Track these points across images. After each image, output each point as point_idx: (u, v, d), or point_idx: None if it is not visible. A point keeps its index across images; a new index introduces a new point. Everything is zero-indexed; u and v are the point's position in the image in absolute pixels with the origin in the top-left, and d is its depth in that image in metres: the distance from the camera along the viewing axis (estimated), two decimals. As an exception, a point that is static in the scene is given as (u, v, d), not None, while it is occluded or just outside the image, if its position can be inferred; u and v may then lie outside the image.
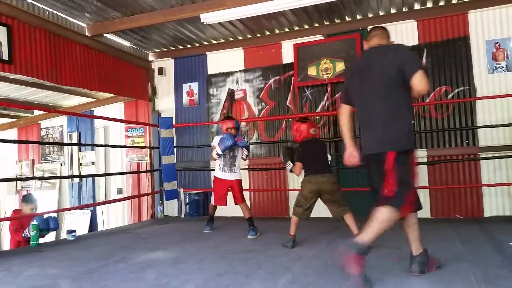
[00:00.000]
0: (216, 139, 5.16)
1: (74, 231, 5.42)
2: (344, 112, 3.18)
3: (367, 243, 2.68)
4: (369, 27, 6.42)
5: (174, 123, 7.43)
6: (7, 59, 5.00)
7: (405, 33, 6.29)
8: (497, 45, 5.82)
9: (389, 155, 2.78)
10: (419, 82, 2.72)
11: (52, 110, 8.19)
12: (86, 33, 6.33)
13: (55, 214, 6.34)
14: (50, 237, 6.89)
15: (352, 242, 2.68)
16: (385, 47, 3.14)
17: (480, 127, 5.80)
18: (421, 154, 6.04)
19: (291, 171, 4.43)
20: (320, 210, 6.10)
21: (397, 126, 2.83)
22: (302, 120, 4.59)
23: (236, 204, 5.20)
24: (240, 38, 7.28)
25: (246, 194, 7.03)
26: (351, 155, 3.08)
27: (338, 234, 4.72)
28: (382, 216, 2.80)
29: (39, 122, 9.15)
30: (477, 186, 5.78)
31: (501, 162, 5.69)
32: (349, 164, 3.11)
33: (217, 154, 5.04)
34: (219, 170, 5.19)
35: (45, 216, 5.15)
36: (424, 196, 6.02)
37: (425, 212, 5.97)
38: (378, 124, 2.88)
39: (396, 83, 2.81)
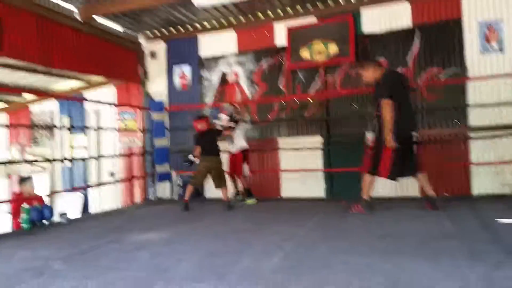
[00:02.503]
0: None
1: (66, 213, 5.43)
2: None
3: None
4: (362, 9, 6.41)
5: (166, 106, 7.39)
6: (-4, 42, 4.93)
7: (398, 14, 6.26)
8: (489, 26, 5.82)
9: None
10: None
11: (43, 94, 8.14)
12: (77, 17, 6.24)
13: (48, 202, 6.35)
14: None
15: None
16: None
17: (471, 106, 5.84)
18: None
19: (193, 156, 5.72)
20: (309, 190, 6.19)
21: None
22: (199, 117, 5.97)
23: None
24: (232, 20, 7.21)
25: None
26: None
27: (326, 214, 4.78)
28: None
29: (29, 106, 9.06)
30: (466, 165, 5.84)
31: (490, 141, 5.75)
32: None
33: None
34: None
35: (39, 205, 5.14)
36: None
37: (413, 191, 6.04)
38: None
39: None
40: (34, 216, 4.86)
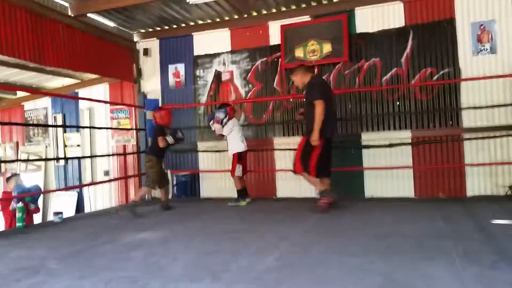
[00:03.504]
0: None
1: (61, 213, 5.41)
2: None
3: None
4: (356, 9, 6.44)
5: (160, 104, 7.37)
6: (-13, 39, 4.88)
7: (391, 14, 6.28)
8: (482, 27, 5.86)
9: None
10: None
11: (36, 91, 8.08)
12: (69, 13, 6.19)
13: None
14: (37, 219, 6.89)
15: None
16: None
17: (464, 108, 5.89)
18: (406, 135, 6.13)
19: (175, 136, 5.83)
20: (306, 190, 6.21)
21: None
22: (159, 108, 6.15)
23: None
24: (226, 18, 7.19)
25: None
26: None
27: (322, 214, 4.79)
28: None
29: (22, 104, 9.00)
30: (460, 166, 5.90)
31: (483, 142, 5.81)
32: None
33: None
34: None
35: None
36: (408, 176, 6.14)
37: (409, 192, 6.10)
38: None
39: None
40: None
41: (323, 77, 6.50)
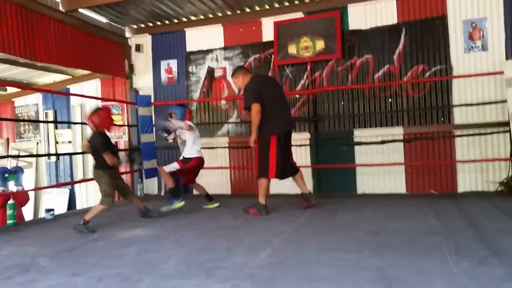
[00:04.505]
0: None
1: (52, 209, 5.37)
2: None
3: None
4: (349, 6, 6.44)
5: (152, 101, 7.33)
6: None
7: (384, 11, 6.30)
8: (473, 24, 5.90)
9: None
10: None
11: (26, 87, 8.00)
12: (60, 8, 6.13)
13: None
14: (28, 216, 6.84)
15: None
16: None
17: (456, 105, 5.93)
18: (398, 132, 6.16)
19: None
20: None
21: None
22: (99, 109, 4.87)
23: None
24: (219, 14, 7.16)
25: (226, 172, 7.12)
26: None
27: (316, 210, 4.81)
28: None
29: (13, 99, 8.91)
30: (451, 163, 5.95)
31: (474, 139, 5.86)
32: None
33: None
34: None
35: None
36: (399, 172, 6.18)
37: (400, 188, 6.14)
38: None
39: None
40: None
41: (316, 74, 6.53)
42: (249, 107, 4.66)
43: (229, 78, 7.16)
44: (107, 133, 4.59)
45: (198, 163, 5.23)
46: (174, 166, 5.10)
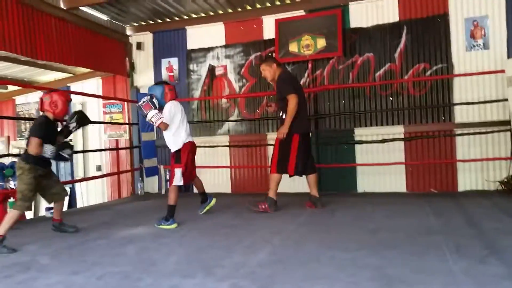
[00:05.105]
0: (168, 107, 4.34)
1: (53, 208, 5.36)
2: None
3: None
4: (351, 3, 6.43)
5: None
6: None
7: (386, 9, 6.28)
8: (475, 23, 5.88)
9: None
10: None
11: (27, 85, 8.00)
12: (62, 6, 6.13)
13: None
14: (28, 214, 6.85)
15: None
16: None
17: (457, 104, 5.92)
18: (398, 130, 6.15)
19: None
20: (298, 185, 6.21)
21: None
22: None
23: None
24: (220, 12, 7.15)
25: (227, 171, 7.11)
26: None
27: (316, 209, 4.81)
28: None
29: (14, 98, 8.91)
30: (452, 162, 5.94)
31: (475, 138, 5.84)
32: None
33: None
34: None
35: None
36: (400, 171, 6.17)
37: (400, 187, 6.14)
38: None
39: None
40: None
41: (317, 72, 6.54)
42: (285, 98, 4.58)
43: (229, 76, 7.16)
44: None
45: (189, 151, 4.34)
46: (177, 174, 4.28)
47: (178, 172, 4.28)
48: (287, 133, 4.57)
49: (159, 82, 4.77)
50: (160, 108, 4.29)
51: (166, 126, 4.26)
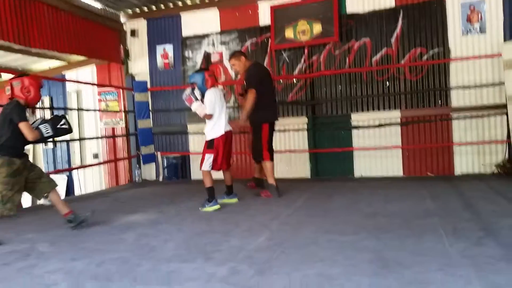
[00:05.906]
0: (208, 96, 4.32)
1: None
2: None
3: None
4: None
5: (148, 86, 7.29)
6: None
7: (382, -6, 6.24)
8: (471, 7, 5.85)
9: None
10: None
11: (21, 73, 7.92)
12: (55, -7, 6.05)
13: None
14: (26, 202, 6.85)
15: None
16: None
17: (453, 88, 5.92)
18: (395, 115, 6.16)
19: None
20: (297, 171, 6.25)
21: None
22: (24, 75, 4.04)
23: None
24: (215, -2, 7.08)
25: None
26: None
27: (312, 193, 4.84)
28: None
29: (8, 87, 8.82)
30: (448, 145, 5.96)
31: (471, 122, 5.86)
32: None
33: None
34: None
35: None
36: (396, 156, 6.20)
37: (397, 171, 6.17)
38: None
39: None
40: None
41: (313, 58, 6.51)
42: (248, 90, 4.79)
43: (226, 63, 7.12)
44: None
45: (223, 143, 4.35)
46: (208, 159, 4.30)
47: (209, 158, 4.31)
48: (258, 123, 4.84)
49: (199, 69, 4.99)
50: (203, 95, 4.35)
51: (210, 116, 4.31)
